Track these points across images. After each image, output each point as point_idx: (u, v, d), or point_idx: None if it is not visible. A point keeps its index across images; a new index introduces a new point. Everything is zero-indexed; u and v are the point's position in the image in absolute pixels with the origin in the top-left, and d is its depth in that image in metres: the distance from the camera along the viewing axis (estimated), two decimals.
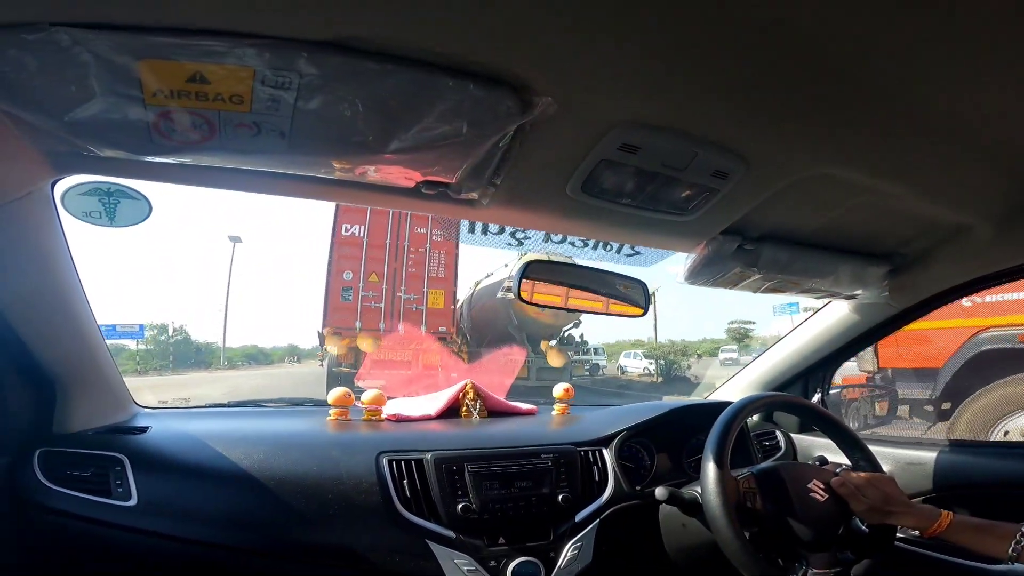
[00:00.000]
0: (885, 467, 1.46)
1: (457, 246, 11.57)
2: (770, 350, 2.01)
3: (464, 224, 1.30)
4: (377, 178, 0.95)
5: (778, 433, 1.92)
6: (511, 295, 11.07)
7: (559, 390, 1.96)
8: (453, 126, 0.82)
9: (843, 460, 1.43)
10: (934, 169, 1.07)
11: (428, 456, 1.34)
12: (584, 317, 13.69)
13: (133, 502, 1.18)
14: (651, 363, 24.38)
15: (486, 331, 12.58)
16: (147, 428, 1.37)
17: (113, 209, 1.08)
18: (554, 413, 1.93)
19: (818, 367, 1.93)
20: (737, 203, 1.17)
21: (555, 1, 0.65)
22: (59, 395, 1.29)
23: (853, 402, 2.03)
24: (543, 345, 12.62)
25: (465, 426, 1.73)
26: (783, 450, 1.89)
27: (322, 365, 13.11)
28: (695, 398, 2.24)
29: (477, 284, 13.74)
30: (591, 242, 1.41)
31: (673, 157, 0.98)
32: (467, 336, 12.95)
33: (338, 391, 1.68)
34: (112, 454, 1.24)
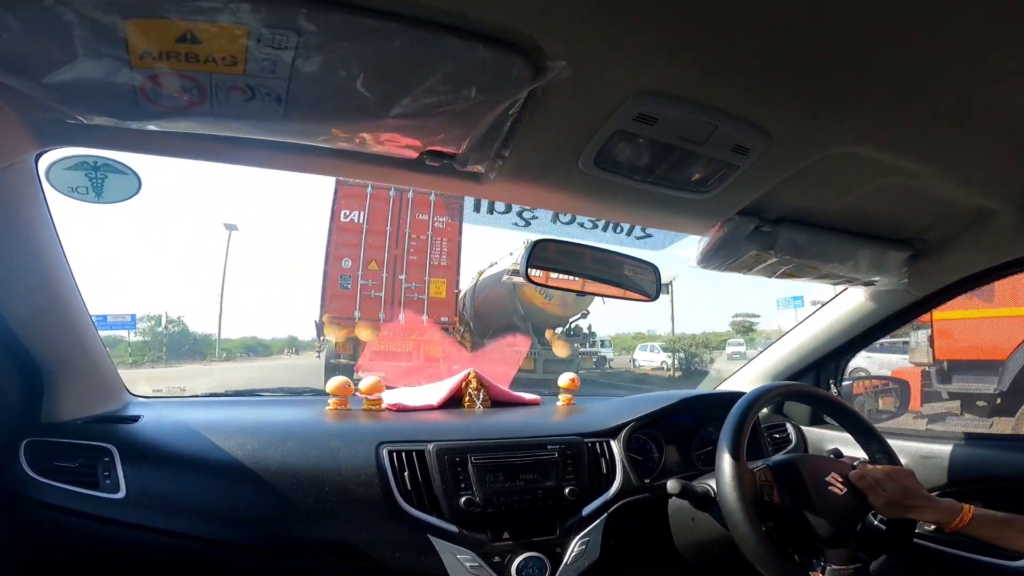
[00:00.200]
0: None
1: (460, 233, 11.37)
2: (781, 339, 1.98)
3: (468, 204, 1.26)
4: (378, 148, 0.89)
5: (788, 425, 1.88)
6: (518, 279, 10.88)
7: (565, 379, 1.92)
8: (460, 91, 0.77)
9: (857, 453, 1.39)
10: (961, 151, 1.03)
11: (430, 447, 1.30)
12: (592, 308, 13.66)
13: (121, 494, 1.14)
14: (669, 356, 23.88)
15: (490, 322, 12.40)
16: (139, 417, 1.33)
17: (100, 184, 1.03)
18: (559, 404, 1.89)
19: (831, 357, 1.89)
20: (756, 181, 1.12)
21: None
22: (47, 383, 1.25)
23: (858, 396, 1.98)
24: (548, 334, 12.44)
25: (468, 416, 1.69)
26: (793, 443, 1.85)
27: (319, 356, 12.97)
28: (704, 388, 2.21)
29: (480, 273, 13.55)
30: (600, 223, 1.37)
31: (692, 130, 0.94)
32: (471, 325, 12.80)
33: (337, 380, 1.64)
34: (101, 444, 1.19)
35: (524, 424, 1.62)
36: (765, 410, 1.85)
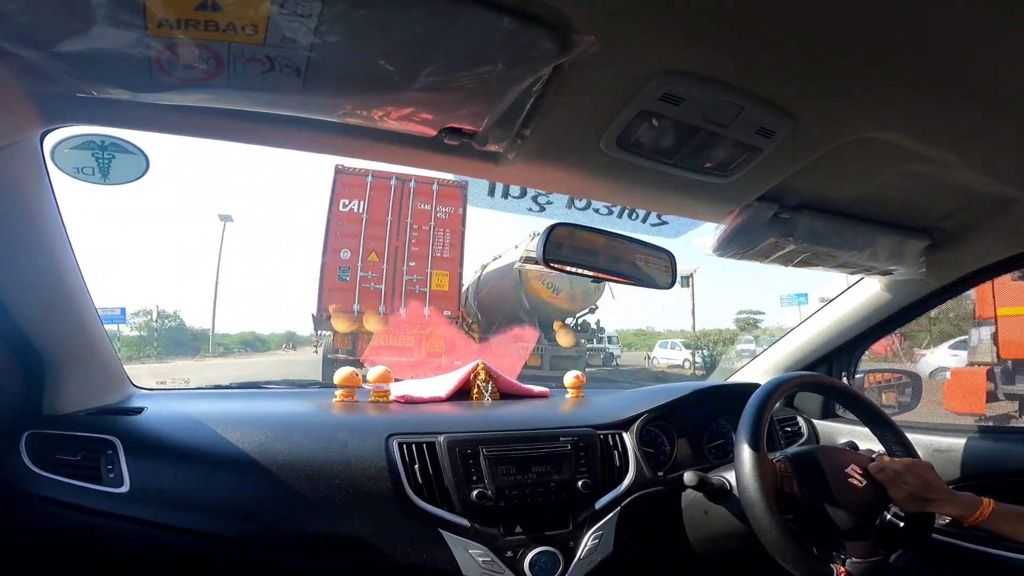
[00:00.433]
0: None
1: (464, 223, 11.12)
2: (794, 330, 1.96)
3: (479, 190, 1.24)
4: (396, 125, 0.87)
5: (800, 419, 1.87)
6: (531, 266, 10.86)
7: (569, 378, 1.91)
8: (485, 64, 0.75)
9: (871, 446, 1.39)
10: (986, 137, 1.02)
11: (440, 439, 1.28)
12: (600, 303, 13.55)
13: (125, 488, 1.12)
14: (690, 353, 23.11)
15: (495, 316, 12.21)
16: (142, 409, 1.31)
17: (107, 164, 1.01)
18: (568, 396, 1.88)
19: (844, 349, 1.88)
20: (779, 166, 1.11)
21: None
22: (49, 374, 1.22)
23: (870, 389, 1.98)
24: (556, 326, 12.29)
25: (477, 408, 1.68)
26: (805, 436, 1.84)
27: (316, 351, 12.79)
28: (715, 380, 2.20)
29: (484, 267, 13.45)
30: (616, 210, 1.35)
31: (717, 111, 0.92)
32: (478, 318, 12.65)
33: (345, 371, 1.63)
34: (104, 436, 1.17)
35: (535, 416, 1.61)
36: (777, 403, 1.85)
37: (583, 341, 13.48)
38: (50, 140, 0.97)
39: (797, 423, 1.86)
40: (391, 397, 1.64)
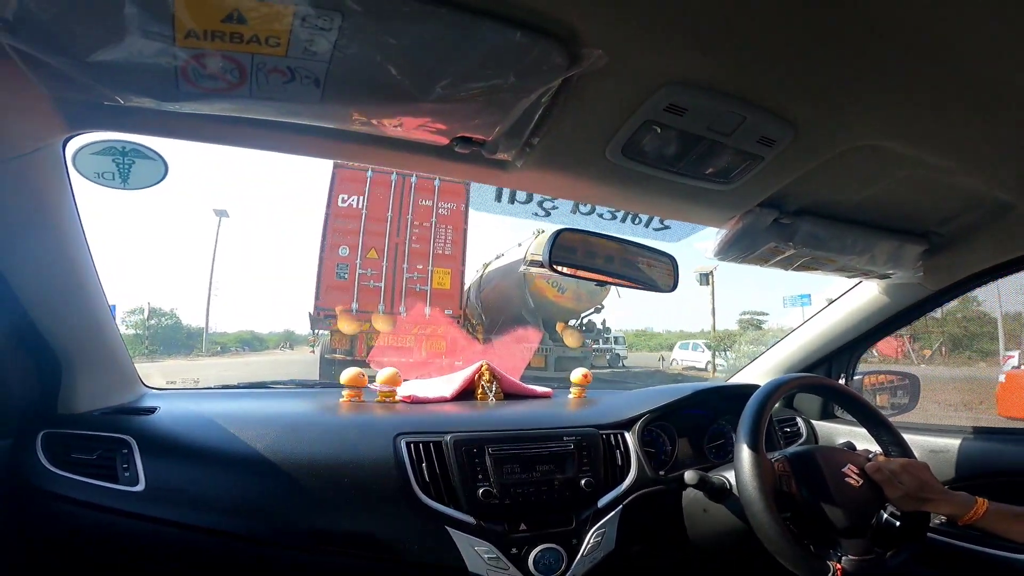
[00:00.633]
0: None
1: (466, 220, 10.78)
2: (794, 333, 1.98)
3: (485, 193, 1.26)
4: (409, 134, 0.90)
5: (799, 419, 1.89)
6: (536, 269, 10.58)
7: (577, 375, 1.93)
8: (497, 76, 0.77)
9: (868, 447, 1.41)
10: (984, 144, 1.03)
11: (447, 438, 1.30)
12: (606, 303, 13.27)
13: (141, 487, 1.13)
14: (710, 355, 21.73)
15: (498, 316, 11.93)
16: (155, 409, 1.33)
17: (127, 170, 1.03)
18: (570, 396, 1.90)
19: (843, 351, 1.90)
20: (780, 173, 1.13)
21: None
22: (64, 373, 1.24)
23: (868, 390, 1.99)
24: (560, 327, 12.01)
25: (482, 408, 1.69)
26: (804, 436, 1.86)
27: (313, 351, 12.38)
28: (716, 381, 2.21)
29: (486, 266, 13.22)
30: (619, 214, 1.37)
31: (720, 121, 0.94)
32: (483, 319, 12.38)
33: (351, 371, 1.65)
34: (119, 436, 1.19)
35: (539, 416, 1.62)
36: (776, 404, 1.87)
37: (589, 342, 13.23)
38: (72, 146, 0.99)
39: (796, 424, 1.88)
40: (397, 397, 1.66)
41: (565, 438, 1.39)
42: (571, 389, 1.92)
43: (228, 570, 1.18)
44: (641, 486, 1.42)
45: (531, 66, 0.76)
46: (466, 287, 11.54)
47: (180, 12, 0.63)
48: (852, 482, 1.22)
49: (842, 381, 1.91)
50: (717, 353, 21.15)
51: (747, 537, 1.18)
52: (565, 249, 1.29)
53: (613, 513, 1.36)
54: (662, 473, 1.48)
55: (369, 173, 10.24)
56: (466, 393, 1.80)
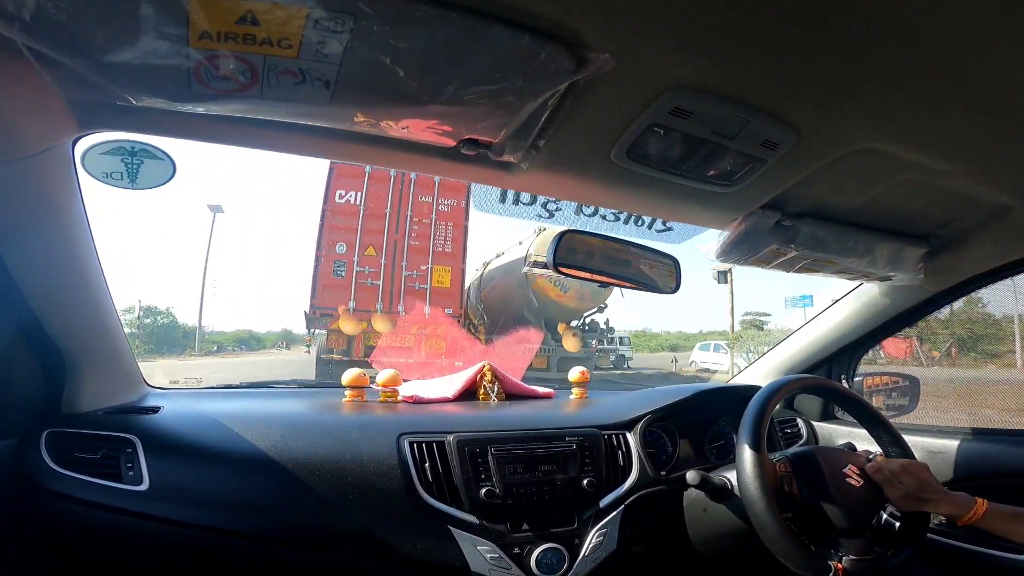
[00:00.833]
0: None
1: (467, 217, 10.56)
2: (794, 334, 1.99)
3: (489, 195, 1.27)
4: (417, 136, 0.90)
5: (799, 420, 1.90)
6: (539, 270, 10.37)
7: (575, 373, 1.93)
8: (506, 80, 0.78)
9: (869, 448, 1.41)
10: (984, 148, 1.04)
11: (450, 438, 1.31)
12: (609, 302, 13.08)
13: (145, 486, 1.14)
14: (737, 358, 20.28)
15: (499, 315, 11.74)
16: (159, 408, 1.33)
17: (136, 170, 1.03)
18: (572, 397, 1.91)
19: (844, 353, 1.91)
20: (782, 175, 1.14)
21: None
22: (69, 372, 1.24)
23: (868, 392, 2.00)
24: (561, 328, 11.80)
25: (484, 408, 1.70)
26: (804, 437, 1.87)
27: (308, 351, 12.05)
28: (717, 382, 2.22)
29: (486, 265, 13.07)
30: (622, 216, 1.38)
31: (724, 124, 0.95)
32: (484, 319, 12.24)
33: (353, 372, 1.66)
34: (123, 435, 1.19)
35: (541, 416, 1.63)
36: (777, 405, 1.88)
37: (592, 342, 13.11)
38: (81, 145, 0.99)
39: (797, 425, 1.89)
40: (399, 397, 1.67)
41: (567, 438, 1.39)
42: (572, 390, 1.92)
43: (232, 569, 1.19)
44: (643, 486, 1.42)
45: (539, 69, 0.77)
46: (465, 288, 11.34)
47: (195, 13, 0.64)
48: (853, 482, 1.23)
49: (843, 382, 1.91)
50: (739, 355, 19.91)
51: (748, 537, 1.19)
52: (569, 251, 1.30)
53: (615, 513, 1.36)
54: (663, 473, 1.48)
55: (367, 168, 10.02)
56: (468, 393, 1.81)
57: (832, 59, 0.80)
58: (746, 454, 1.18)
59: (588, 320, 13.51)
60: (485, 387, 1.80)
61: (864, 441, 1.48)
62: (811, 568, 1.12)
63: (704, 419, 1.70)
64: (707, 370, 21.27)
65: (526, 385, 1.91)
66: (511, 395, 1.85)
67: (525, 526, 1.28)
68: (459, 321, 10.26)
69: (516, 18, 0.71)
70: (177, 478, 1.17)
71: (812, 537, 1.21)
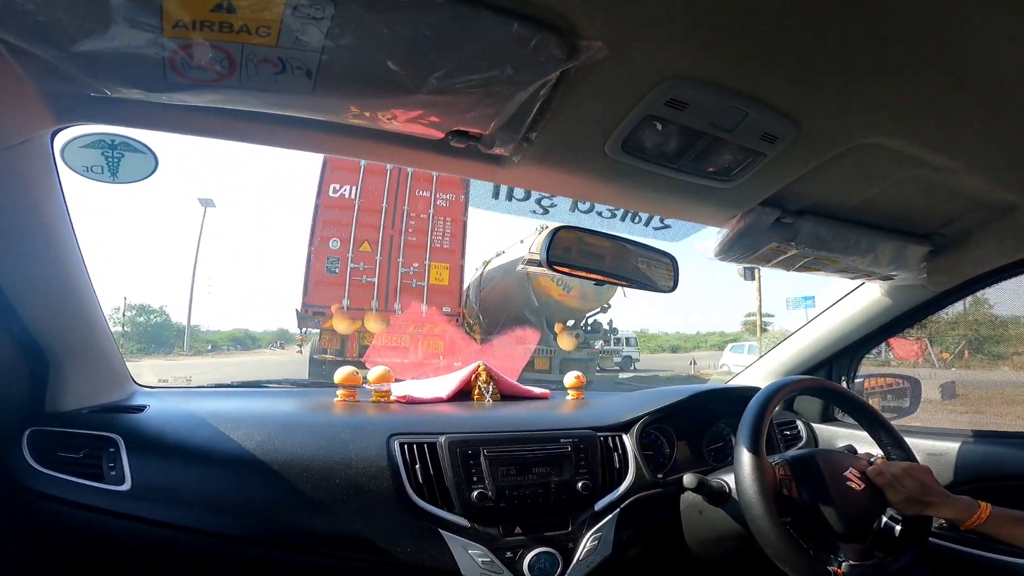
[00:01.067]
0: None
1: (466, 212, 10.23)
2: (795, 335, 1.97)
3: (483, 189, 1.24)
4: (404, 128, 0.88)
5: (799, 422, 1.88)
6: (534, 268, 10.16)
7: (570, 378, 1.92)
8: (494, 68, 0.76)
9: (869, 450, 1.38)
10: (987, 144, 1.02)
11: (442, 439, 1.28)
12: (615, 302, 12.87)
13: (127, 486, 1.12)
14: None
15: (498, 316, 11.41)
16: (144, 407, 1.31)
17: (116, 163, 1.02)
18: (569, 398, 1.89)
19: (844, 353, 1.89)
20: (782, 171, 1.12)
21: None
22: (52, 371, 1.22)
23: (869, 393, 1.98)
24: (557, 328, 11.52)
25: (478, 409, 1.68)
26: (804, 439, 1.85)
27: (300, 351, 11.75)
28: (716, 383, 2.20)
29: (486, 264, 12.88)
30: (619, 213, 1.36)
31: (722, 116, 0.93)
32: (480, 319, 11.96)
33: (345, 370, 1.64)
34: (106, 434, 1.17)
35: (536, 417, 1.61)
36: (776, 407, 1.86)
37: (595, 343, 12.90)
38: (60, 139, 0.98)
39: (796, 427, 1.87)
40: (392, 397, 1.64)
41: (562, 440, 1.37)
42: (568, 391, 1.90)
43: (218, 571, 1.17)
44: (639, 489, 1.40)
45: (528, 58, 0.75)
46: (465, 285, 11.13)
47: (168, 2, 0.62)
48: (854, 486, 1.21)
49: (843, 384, 1.90)
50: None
51: (746, 541, 1.16)
52: (563, 248, 1.27)
53: (610, 517, 1.34)
54: (660, 476, 1.46)
55: (363, 161, 9.49)
56: (462, 394, 1.79)
57: (834, 50, 0.78)
58: (744, 457, 1.16)
59: (591, 320, 13.28)
60: (480, 387, 1.78)
61: (865, 443, 1.46)
62: (810, 573, 1.10)
63: (702, 421, 1.68)
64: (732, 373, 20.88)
65: (522, 386, 1.90)
66: (506, 396, 1.83)
67: (518, 529, 1.25)
68: (458, 320, 10.07)
69: (505, 4, 0.69)
70: (161, 478, 1.15)
71: (811, 541, 1.18)
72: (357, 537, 1.17)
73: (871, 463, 1.26)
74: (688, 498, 1.40)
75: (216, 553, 1.15)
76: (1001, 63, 0.80)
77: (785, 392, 1.30)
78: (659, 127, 0.95)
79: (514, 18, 0.70)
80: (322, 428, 1.30)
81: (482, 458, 1.27)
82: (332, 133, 0.95)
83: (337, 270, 9.59)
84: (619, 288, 11.51)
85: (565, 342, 11.34)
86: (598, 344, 13.19)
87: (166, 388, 1.63)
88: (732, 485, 1.23)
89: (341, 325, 9.41)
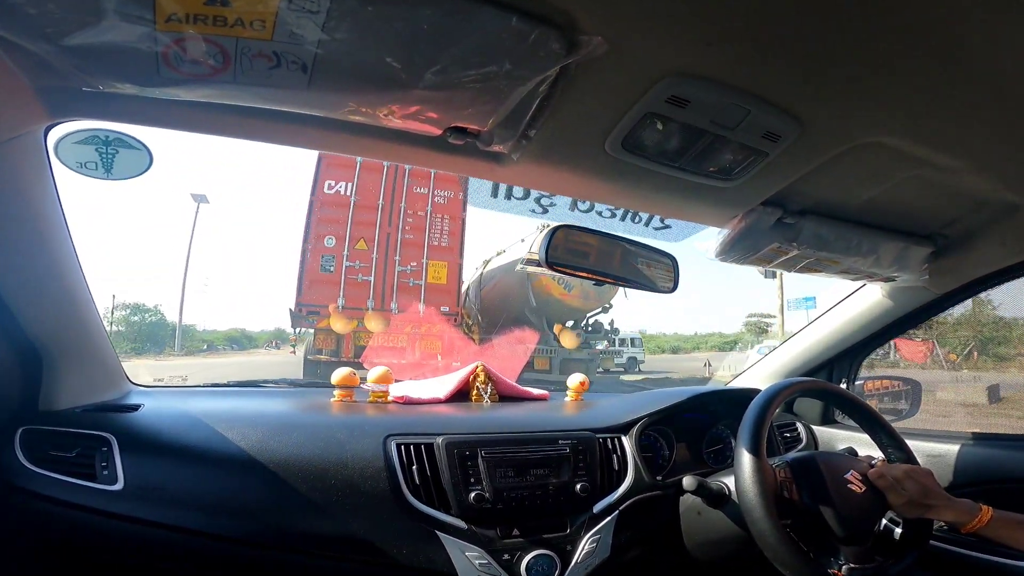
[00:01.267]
0: None
1: (464, 209, 10.10)
2: (795, 336, 1.97)
3: (482, 188, 1.23)
4: (400, 124, 0.87)
5: (799, 425, 1.87)
6: (533, 268, 10.07)
7: (574, 381, 1.91)
8: (492, 63, 0.75)
9: (870, 452, 1.38)
10: (990, 143, 1.02)
11: (439, 440, 1.27)
12: (616, 302, 12.81)
13: (119, 486, 1.11)
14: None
15: (498, 316, 11.33)
16: (139, 406, 1.30)
17: (111, 160, 1.01)
18: (567, 399, 1.88)
19: (845, 355, 1.88)
20: (784, 170, 1.11)
21: None
22: (46, 369, 1.21)
23: (869, 395, 1.98)
24: (557, 328, 11.45)
25: (476, 410, 1.67)
26: (804, 442, 1.84)
27: (294, 352, 11.62)
28: (716, 384, 2.20)
29: (486, 263, 12.83)
30: (619, 212, 1.35)
31: (724, 114, 0.92)
32: (479, 319, 11.86)
33: (343, 371, 1.63)
34: (99, 433, 1.16)
35: (534, 419, 1.60)
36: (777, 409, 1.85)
37: (597, 344, 12.88)
38: (54, 135, 0.97)
39: (796, 429, 1.86)
40: (390, 398, 1.63)
41: (560, 441, 1.36)
42: (567, 392, 1.89)
43: (212, 572, 1.16)
44: (638, 491, 1.39)
45: (527, 53, 0.74)
46: (465, 285, 11.09)
47: None
48: (854, 488, 1.20)
49: (844, 386, 1.89)
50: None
51: (746, 544, 1.16)
52: (562, 247, 1.26)
53: (609, 519, 1.33)
54: (659, 478, 1.45)
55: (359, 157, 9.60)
56: (461, 395, 1.78)
57: (838, 47, 0.77)
58: (744, 459, 1.15)
59: (592, 320, 13.25)
60: (478, 388, 1.77)
61: (865, 446, 1.45)
62: None
63: (702, 423, 1.67)
64: None
65: (520, 387, 1.89)
66: (505, 397, 1.82)
67: (516, 531, 1.24)
68: (456, 320, 9.95)
69: None
70: (154, 478, 1.14)
71: (811, 544, 1.18)
72: (353, 538, 1.16)
73: (872, 465, 1.25)
74: (687, 500, 1.39)
75: (210, 554, 1.14)
76: (1006, 61, 0.79)
77: (786, 394, 1.29)
78: (660, 125, 0.94)
79: (513, 12, 0.69)
80: (318, 428, 1.29)
81: (480, 459, 1.26)
82: (328, 129, 0.94)
83: (332, 268, 9.48)
84: (621, 288, 11.55)
85: (567, 339, 11.27)
86: (601, 345, 13.14)
87: (161, 387, 1.62)
88: (732, 487, 1.23)
89: (337, 325, 9.29)
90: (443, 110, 0.84)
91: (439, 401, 1.71)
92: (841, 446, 1.64)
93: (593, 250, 1.31)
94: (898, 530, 1.23)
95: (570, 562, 1.25)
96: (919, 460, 1.34)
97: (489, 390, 1.77)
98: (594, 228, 1.31)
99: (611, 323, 14.18)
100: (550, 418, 1.62)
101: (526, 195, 1.25)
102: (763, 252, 1.35)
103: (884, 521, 1.24)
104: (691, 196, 1.20)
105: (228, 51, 0.69)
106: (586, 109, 0.91)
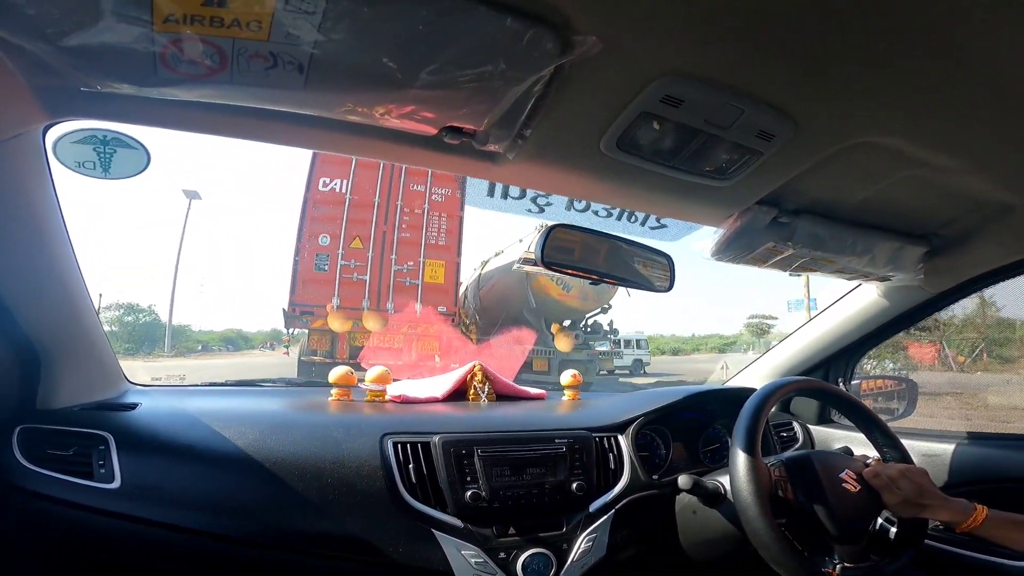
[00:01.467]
0: None
1: (462, 207, 9.89)
2: (792, 336, 1.97)
3: (479, 188, 1.24)
4: (396, 124, 0.87)
5: (795, 424, 1.88)
6: (530, 267, 9.94)
7: (567, 377, 1.91)
8: (487, 63, 0.75)
9: (866, 452, 1.38)
10: (986, 144, 1.02)
11: (435, 439, 1.27)
12: (615, 303, 12.72)
13: (116, 484, 1.11)
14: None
15: (496, 316, 11.20)
16: (136, 405, 1.31)
17: (108, 159, 1.01)
18: (564, 398, 1.88)
19: (841, 355, 1.89)
20: (779, 169, 1.11)
21: None
22: (44, 368, 1.22)
23: (865, 395, 1.98)
24: (554, 328, 11.30)
25: (473, 409, 1.68)
26: (800, 441, 1.84)
27: (287, 352, 11.37)
28: (712, 384, 2.20)
29: (484, 263, 12.71)
30: (615, 212, 1.36)
31: (718, 114, 0.92)
32: (476, 319, 11.81)
33: (340, 370, 1.63)
34: (96, 432, 1.17)
35: (531, 418, 1.61)
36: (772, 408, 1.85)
37: (598, 345, 12.77)
38: (52, 134, 0.97)
39: (792, 428, 1.86)
40: (387, 397, 1.64)
41: (557, 440, 1.36)
42: (564, 392, 1.90)
43: (207, 571, 1.16)
44: (634, 490, 1.40)
45: (522, 53, 0.74)
46: (464, 286, 10.98)
47: None
48: (850, 488, 1.20)
49: (840, 385, 1.90)
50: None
51: (741, 543, 1.16)
52: (559, 247, 1.26)
53: (605, 518, 1.33)
54: (656, 477, 1.45)
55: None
56: (458, 394, 1.79)
57: (832, 47, 0.77)
58: (740, 458, 1.15)
59: (591, 321, 13.18)
60: (475, 387, 1.77)
61: (861, 445, 1.46)
62: (805, 575, 1.09)
63: (698, 422, 1.67)
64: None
65: (518, 386, 1.89)
66: (502, 396, 1.82)
67: (512, 530, 1.25)
68: (453, 320, 9.77)
69: None
70: (151, 477, 1.14)
71: (806, 543, 1.18)
72: (349, 537, 1.16)
73: (867, 465, 1.26)
74: (683, 499, 1.39)
75: (206, 552, 1.14)
76: (1003, 61, 0.79)
77: (781, 393, 1.29)
78: (655, 124, 0.95)
79: (507, 12, 0.70)
80: (315, 427, 1.29)
81: (476, 458, 1.26)
82: (325, 129, 0.94)
83: (326, 267, 9.30)
84: (621, 288, 11.45)
85: (562, 342, 11.17)
86: (604, 346, 13.03)
87: (159, 386, 1.62)
88: (727, 486, 1.23)
89: (332, 324, 9.14)
90: (439, 110, 0.85)
91: (436, 400, 1.71)
92: (837, 445, 1.64)
93: (589, 249, 1.32)
94: (893, 529, 1.24)
95: (566, 561, 1.25)
96: (914, 459, 1.35)
97: (486, 389, 1.77)
98: (590, 228, 1.31)
99: (610, 324, 14.13)
100: (547, 417, 1.63)
101: (522, 195, 1.26)
102: (758, 251, 1.35)
103: (879, 520, 1.24)
104: (686, 195, 1.20)
105: (225, 51, 0.70)
106: (581, 108, 0.92)
